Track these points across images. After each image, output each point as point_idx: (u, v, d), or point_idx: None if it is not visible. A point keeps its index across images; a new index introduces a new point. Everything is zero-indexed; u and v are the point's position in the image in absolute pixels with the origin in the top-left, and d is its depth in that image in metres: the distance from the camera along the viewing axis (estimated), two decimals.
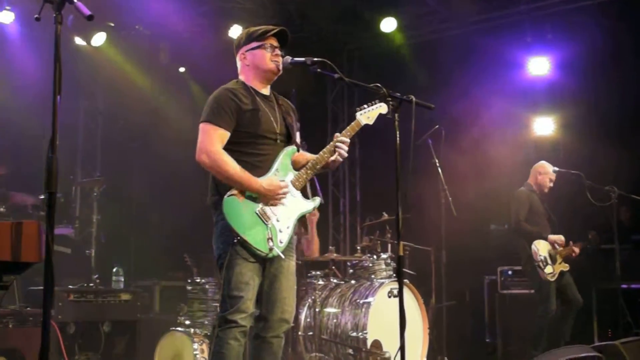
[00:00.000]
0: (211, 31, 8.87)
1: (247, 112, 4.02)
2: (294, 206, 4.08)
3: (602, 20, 8.43)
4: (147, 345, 6.58)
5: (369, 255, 7.00)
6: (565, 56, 8.88)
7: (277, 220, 3.98)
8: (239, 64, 4.25)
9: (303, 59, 4.02)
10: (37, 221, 2.76)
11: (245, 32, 4.25)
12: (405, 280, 6.40)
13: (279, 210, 4.00)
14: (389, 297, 6.33)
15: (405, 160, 3.75)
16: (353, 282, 6.80)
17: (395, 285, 6.29)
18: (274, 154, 4.08)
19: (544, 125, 9.30)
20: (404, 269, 6.99)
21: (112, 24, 8.53)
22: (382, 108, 4.20)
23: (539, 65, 9.12)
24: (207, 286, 6.50)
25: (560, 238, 7.21)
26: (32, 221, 2.75)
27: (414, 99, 3.85)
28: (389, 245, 7.14)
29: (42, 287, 2.64)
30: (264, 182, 3.94)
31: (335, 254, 7.17)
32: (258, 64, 4.15)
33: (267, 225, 3.93)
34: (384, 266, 6.81)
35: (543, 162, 7.58)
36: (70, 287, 6.66)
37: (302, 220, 6.90)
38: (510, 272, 8.32)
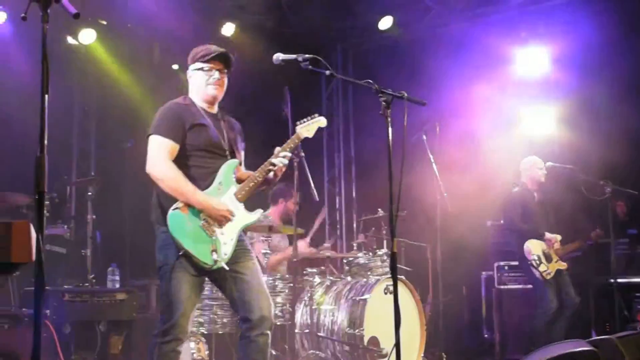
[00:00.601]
0: (204, 29, 8.85)
1: (194, 126, 4.14)
2: (238, 218, 4.19)
3: (596, 14, 8.43)
4: (143, 344, 6.56)
5: (365, 252, 6.99)
6: (560, 51, 8.88)
7: (222, 233, 4.10)
8: (189, 80, 4.38)
9: (294, 55, 4.04)
10: (27, 221, 2.75)
11: (194, 50, 4.36)
12: (401, 277, 6.40)
13: (223, 226, 4.12)
14: (385, 293, 6.31)
15: (399, 156, 3.75)
16: (349, 279, 6.80)
17: (391, 281, 6.28)
18: (217, 168, 4.19)
19: (538, 120, 9.30)
20: (400, 266, 7.00)
21: (105, 22, 8.50)
22: (320, 122, 4.43)
23: (533, 60, 9.12)
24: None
25: (556, 237, 7.21)
26: (23, 221, 2.74)
27: (405, 95, 3.86)
28: (385, 242, 7.14)
29: None
30: (213, 201, 4.06)
31: (331, 251, 7.17)
32: (200, 87, 4.28)
33: (211, 238, 4.04)
34: (380, 263, 6.80)
35: (531, 157, 7.58)
36: (66, 287, 6.67)
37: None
38: (506, 268, 8.32)
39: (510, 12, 9.14)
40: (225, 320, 6.10)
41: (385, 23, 9.40)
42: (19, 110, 7.41)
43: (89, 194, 7.72)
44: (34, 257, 2.65)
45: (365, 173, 10.41)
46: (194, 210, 4.01)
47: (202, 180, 4.10)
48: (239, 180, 4.27)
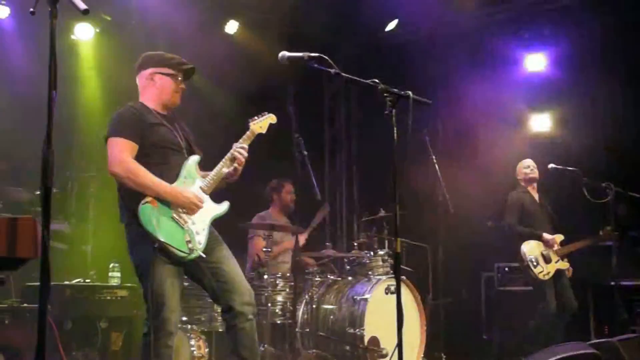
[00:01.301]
0: (207, 26, 8.84)
1: (151, 126, 4.22)
2: (207, 210, 4.27)
3: (599, 16, 8.44)
4: None
5: (366, 251, 6.99)
6: (562, 52, 8.88)
7: (193, 224, 4.16)
8: (141, 82, 4.44)
9: (300, 54, 4.01)
10: (32, 217, 2.75)
11: (159, 54, 4.46)
12: (402, 277, 6.40)
13: (193, 214, 4.18)
14: (386, 293, 6.33)
15: (402, 155, 3.75)
16: (350, 278, 6.81)
17: (393, 282, 6.29)
18: (180, 163, 4.27)
19: (541, 122, 9.30)
20: (401, 266, 6.99)
21: (109, 18, 8.49)
22: (270, 118, 4.61)
23: (536, 62, 9.12)
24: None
25: (555, 238, 7.20)
26: (28, 217, 2.73)
27: (411, 95, 3.86)
28: (386, 242, 7.14)
29: (38, 283, 2.63)
30: (181, 189, 4.15)
31: (332, 250, 7.17)
32: (164, 91, 4.37)
33: (183, 229, 4.10)
34: (381, 263, 6.81)
35: (525, 160, 7.63)
36: (67, 283, 6.66)
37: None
38: (507, 269, 8.33)
39: (513, 13, 9.14)
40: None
41: (390, 24, 9.41)
42: (20, 105, 7.41)
43: (90, 190, 7.71)
44: (39, 253, 2.65)
45: (367, 173, 10.41)
46: (163, 202, 4.07)
47: (166, 176, 4.17)
48: (202, 176, 4.37)
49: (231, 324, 4.19)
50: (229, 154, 4.35)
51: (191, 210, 4.16)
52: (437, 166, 7.04)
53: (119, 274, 7.07)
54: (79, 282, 6.80)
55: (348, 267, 7.08)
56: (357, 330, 6.15)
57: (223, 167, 4.33)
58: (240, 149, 4.35)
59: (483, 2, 9.16)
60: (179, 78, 4.40)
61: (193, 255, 4.07)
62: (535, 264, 7.03)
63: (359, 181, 10.72)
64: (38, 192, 6.65)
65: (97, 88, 9.20)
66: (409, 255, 7.76)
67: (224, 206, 4.37)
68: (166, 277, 4.04)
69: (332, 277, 6.99)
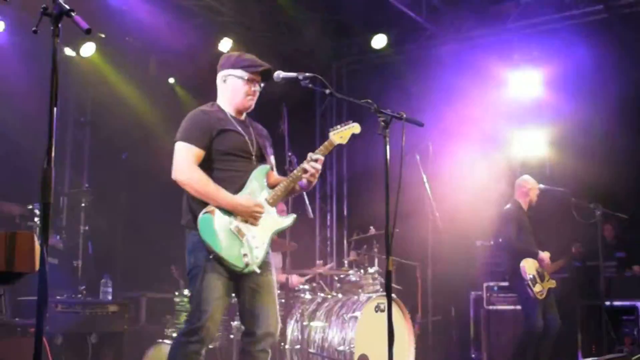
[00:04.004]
0: (201, 44, 8.91)
1: (221, 132, 4.09)
2: (269, 223, 4.14)
3: (589, 38, 8.54)
4: (134, 357, 6.56)
5: (356, 269, 7.02)
6: (552, 73, 8.98)
7: (253, 237, 4.04)
8: (218, 83, 4.30)
9: (294, 74, 4.06)
10: (31, 232, 2.78)
11: (236, 56, 4.29)
12: (392, 295, 6.42)
13: (254, 227, 4.06)
14: (376, 311, 6.35)
15: (393, 175, 3.79)
16: (340, 296, 6.83)
17: (383, 300, 6.32)
18: (247, 171, 4.15)
19: (531, 143, 9.38)
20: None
21: (103, 35, 8.54)
22: (354, 128, 4.29)
23: (526, 82, 9.22)
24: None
25: (548, 256, 7.23)
26: (26, 232, 2.76)
27: (404, 116, 3.89)
28: (376, 260, 7.17)
29: (30, 298, 2.66)
30: (241, 199, 4.03)
31: (322, 268, 7.19)
32: (236, 94, 4.22)
33: (242, 242, 4.00)
34: (371, 281, 6.84)
35: (527, 176, 7.58)
36: (58, 298, 6.64)
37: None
38: (496, 288, 8.36)
39: (503, 34, 9.25)
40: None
41: (380, 42, 9.50)
42: (13, 120, 7.42)
43: (82, 205, 7.72)
44: (37, 267, 2.68)
45: (357, 191, 10.46)
46: (224, 212, 3.97)
47: (232, 184, 4.06)
48: (271, 186, 4.22)
49: (247, 348, 4.08)
50: (302, 165, 4.15)
51: (252, 219, 4.05)
52: (427, 185, 7.08)
53: (110, 289, 7.07)
54: (69, 297, 6.79)
55: (338, 284, 7.10)
56: (347, 348, 6.16)
57: (293, 180, 4.15)
58: (313, 162, 4.12)
59: (473, 23, 9.26)
60: (253, 81, 4.21)
61: (247, 270, 3.99)
62: (534, 282, 7.01)
63: (349, 199, 10.78)
64: (30, 207, 6.72)
65: (89, 102, 9.24)
66: (398, 274, 7.79)
67: (289, 219, 4.28)
68: (215, 287, 3.94)
69: (322, 294, 7.01)
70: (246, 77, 4.19)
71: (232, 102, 4.23)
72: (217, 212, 3.96)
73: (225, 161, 4.10)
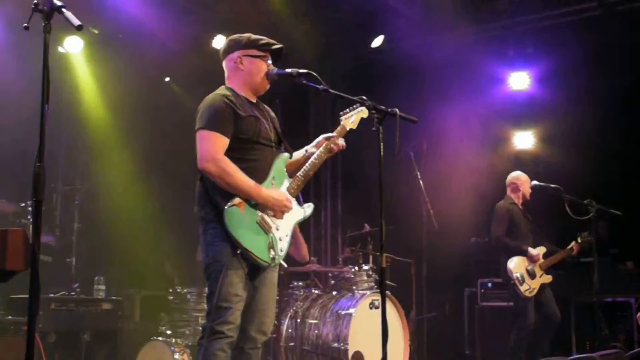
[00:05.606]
0: (194, 40, 8.88)
1: (243, 119, 3.93)
2: (291, 214, 4.03)
3: (583, 35, 8.54)
4: (128, 355, 6.57)
5: (350, 266, 7.03)
6: (546, 71, 8.99)
7: (277, 229, 3.94)
8: (230, 66, 4.15)
9: (289, 70, 4.01)
10: (22, 229, 2.76)
11: (247, 37, 4.15)
12: (386, 292, 6.42)
13: (278, 219, 3.96)
14: (371, 308, 6.35)
15: (387, 171, 3.78)
16: (334, 293, 6.83)
17: (377, 296, 6.33)
18: (269, 160, 4.03)
19: (525, 140, 9.40)
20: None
21: (96, 31, 8.51)
22: (363, 112, 4.26)
23: (520, 80, 9.23)
24: (188, 296, 6.50)
25: (539, 251, 7.22)
26: (18, 229, 2.74)
27: (398, 112, 3.86)
28: (371, 257, 7.17)
29: (23, 296, 2.65)
30: (274, 193, 3.91)
31: (316, 265, 7.19)
32: (254, 74, 4.08)
33: (267, 235, 3.88)
34: (365, 278, 6.84)
35: (518, 172, 7.59)
36: (52, 295, 6.62)
37: None
38: (490, 285, 8.37)
39: (498, 32, 9.24)
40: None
41: (376, 41, 9.50)
42: (4, 118, 7.39)
43: (76, 202, 7.70)
44: (29, 265, 2.66)
45: (351, 188, 10.45)
46: (251, 204, 3.82)
47: (255, 174, 3.89)
48: (289, 173, 4.13)
49: (239, 345, 3.94)
50: (322, 149, 4.12)
51: (280, 213, 3.95)
52: (421, 182, 7.08)
53: (103, 287, 7.06)
54: (63, 294, 6.78)
55: (332, 281, 7.10)
56: (341, 345, 6.17)
57: (312, 169, 4.08)
58: (335, 144, 4.14)
59: (468, 20, 9.25)
60: (269, 60, 4.09)
61: (273, 264, 3.91)
62: (521, 281, 7.01)
63: (343, 196, 10.77)
64: (23, 205, 6.70)
65: (83, 100, 9.20)
66: (392, 271, 7.79)
67: (309, 209, 4.17)
68: (238, 282, 3.79)
69: (316, 291, 7.01)
70: (264, 56, 4.09)
71: (251, 83, 4.09)
72: (244, 204, 3.80)
73: (246, 149, 3.95)
